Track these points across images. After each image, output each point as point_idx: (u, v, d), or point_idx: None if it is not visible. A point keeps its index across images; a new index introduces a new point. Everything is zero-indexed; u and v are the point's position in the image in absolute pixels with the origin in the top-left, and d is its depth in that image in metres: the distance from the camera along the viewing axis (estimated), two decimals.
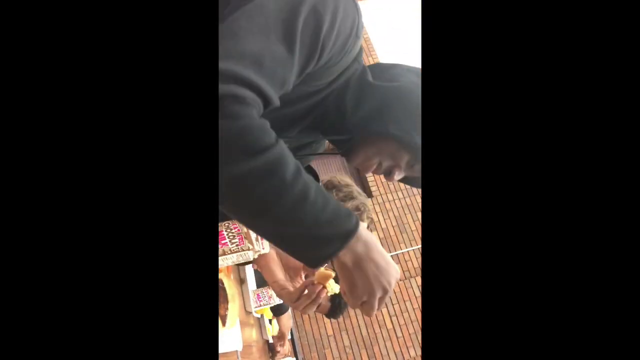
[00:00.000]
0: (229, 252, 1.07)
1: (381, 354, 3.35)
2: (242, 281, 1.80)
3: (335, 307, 1.39)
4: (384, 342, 3.39)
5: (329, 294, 0.80)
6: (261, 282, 1.77)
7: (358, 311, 3.36)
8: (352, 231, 0.48)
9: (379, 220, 3.83)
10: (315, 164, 0.92)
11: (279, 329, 1.99)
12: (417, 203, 3.91)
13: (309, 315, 3.44)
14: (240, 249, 1.07)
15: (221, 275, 1.38)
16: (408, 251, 3.73)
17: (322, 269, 0.78)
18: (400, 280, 3.59)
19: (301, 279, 0.98)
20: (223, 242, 1.07)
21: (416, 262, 3.68)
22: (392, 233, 3.81)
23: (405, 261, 3.69)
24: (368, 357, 3.35)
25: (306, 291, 0.81)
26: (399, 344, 3.38)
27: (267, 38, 0.48)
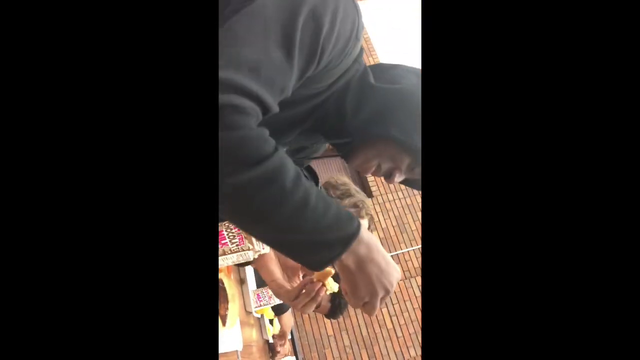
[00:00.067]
0: (229, 252, 1.07)
1: (381, 354, 3.35)
2: (242, 281, 1.80)
3: (336, 307, 1.39)
4: (384, 342, 3.39)
5: (327, 292, 0.79)
6: (261, 282, 1.78)
7: (358, 311, 3.37)
8: (353, 235, 0.49)
9: (379, 220, 3.83)
10: (315, 164, 0.92)
11: (280, 328, 1.99)
12: (418, 203, 3.91)
13: (309, 315, 3.45)
14: (240, 249, 1.07)
15: (221, 275, 1.38)
16: (408, 251, 3.73)
17: None
18: (401, 280, 3.58)
19: (299, 279, 0.98)
20: (223, 242, 1.07)
21: (416, 262, 3.67)
22: (392, 233, 3.81)
23: (406, 261, 3.69)
24: (368, 356, 3.35)
25: (304, 290, 0.81)
26: (399, 344, 3.38)
27: (266, 44, 0.47)
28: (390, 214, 3.89)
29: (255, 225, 0.49)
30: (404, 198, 3.94)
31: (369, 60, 4.33)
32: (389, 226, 3.84)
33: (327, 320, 3.43)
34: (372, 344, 3.38)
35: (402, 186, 3.95)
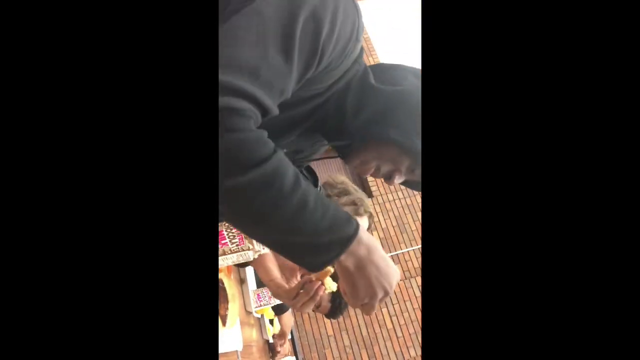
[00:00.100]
0: (229, 252, 1.07)
1: (381, 354, 3.35)
2: (242, 281, 1.80)
3: (336, 307, 1.39)
4: (384, 342, 3.39)
5: (326, 291, 0.79)
6: (261, 282, 1.77)
7: (358, 311, 3.37)
8: (352, 236, 0.49)
9: (379, 220, 3.83)
10: (315, 165, 0.92)
11: (280, 328, 1.99)
12: (418, 203, 3.91)
13: (309, 315, 3.45)
14: (240, 249, 1.07)
15: (221, 275, 1.38)
16: (408, 251, 3.73)
17: None
18: (401, 280, 3.58)
19: (297, 279, 0.98)
20: (223, 242, 1.07)
21: (416, 262, 3.67)
22: (392, 233, 3.81)
23: (405, 261, 3.69)
24: (368, 357, 3.35)
25: (302, 289, 0.81)
26: (399, 344, 3.38)
27: (265, 46, 0.47)
28: (390, 214, 3.89)
29: (254, 227, 0.49)
30: (404, 198, 3.94)
31: (369, 60, 4.33)
32: (389, 226, 3.84)
33: (327, 320, 3.43)
34: (372, 344, 3.38)
35: (402, 186, 3.95)
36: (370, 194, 3.91)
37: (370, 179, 3.96)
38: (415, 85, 0.64)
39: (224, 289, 1.37)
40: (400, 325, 3.44)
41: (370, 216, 1.13)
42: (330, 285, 0.79)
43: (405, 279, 3.60)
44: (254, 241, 1.06)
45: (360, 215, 1.10)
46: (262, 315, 1.94)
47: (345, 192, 1.11)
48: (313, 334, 3.43)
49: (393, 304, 3.50)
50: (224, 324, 1.28)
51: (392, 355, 3.35)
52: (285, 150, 0.70)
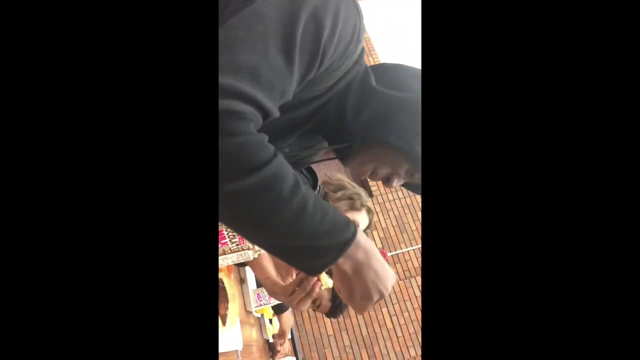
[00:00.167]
0: (229, 251, 1.07)
1: (381, 354, 3.35)
2: (242, 281, 1.80)
3: (336, 306, 1.39)
4: (384, 341, 3.39)
5: (322, 287, 0.79)
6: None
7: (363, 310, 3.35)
8: (350, 239, 0.49)
9: (379, 220, 3.83)
10: (315, 165, 0.91)
11: (280, 327, 1.99)
12: (418, 203, 3.91)
13: (309, 314, 3.45)
14: (240, 249, 1.07)
15: (221, 275, 1.38)
16: (408, 251, 3.73)
17: None
18: (401, 280, 3.59)
19: (292, 277, 0.98)
20: (223, 241, 1.07)
21: (416, 262, 3.68)
22: (392, 233, 3.81)
23: (405, 261, 3.69)
24: (368, 356, 3.35)
25: (298, 287, 0.81)
26: (399, 344, 3.38)
27: (265, 48, 0.46)
28: (390, 213, 3.89)
29: (254, 231, 0.49)
30: (404, 198, 3.94)
31: (368, 60, 4.33)
32: (389, 226, 3.84)
33: (327, 320, 3.43)
34: (372, 344, 3.38)
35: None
36: (370, 194, 3.91)
37: None
38: (416, 92, 0.63)
39: (224, 289, 1.37)
40: (400, 325, 3.44)
41: (369, 211, 1.12)
42: (327, 281, 0.79)
43: (405, 278, 3.60)
44: None
45: (356, 209, 1.09)
46: (262, 315, 1.94)
47: (341, 187, 1.10)
48: (313, 333, 3.43)
49: (393, 304, 3.51)
50: (224, 323, 1.28)
51: (392, 354, 3.35)
52: (285, 152, 0.70)
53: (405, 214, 3.89)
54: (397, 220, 3.86)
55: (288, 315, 1.99)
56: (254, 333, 1.77)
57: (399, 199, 3.95)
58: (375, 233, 3.79)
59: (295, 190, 0.46)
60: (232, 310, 1.37)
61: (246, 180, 0.44)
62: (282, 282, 0.98)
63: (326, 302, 1.39)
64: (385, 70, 0.68)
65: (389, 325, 3.44)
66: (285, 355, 2.02)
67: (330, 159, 0.77)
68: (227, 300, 1.35)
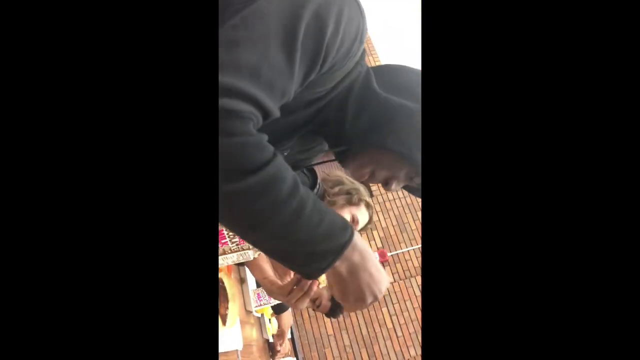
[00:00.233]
0: (229, 251, 1.07)
1: (381, 353, 3.36)
2: (242, 280, 1.80)
3: (336, 306, 1.39)
4: (384, 341, 3.40)
5: (320, 286, 0.80)
6: None
7: (358, 311, 3.37)
8: (346, 243, 0.49)
9: (379, 219, 3.83)
10: (316, 165, 0.91)
11: (279, 327, 1.99)
12: (418, 202, 3.91)
13: (308, 314, 3.45)
14: (240, 249, 1.07)
15: (221, 275, 1.38)
16: (408, 250, 3.73)
17: None
18: (401, 279, 3.60)
19: (289, 277, 0.98)
20: (223, 241, 1.07)
21: (416, 262, 3.68)
22: (392, 232, 3.81)
23: (405, 260, 3.70)
24: (368, 356, 3.35)
25: (296, 286, 0.81)
26: (399, 343, 3.38)
27: (266, 47, 0.46)
28: (390, 213, 3.90)
29: (250, 233, 0.49)
30: (404, 197, 3.94)
31: (369, 60, 4.33)
32: (389, 226, 3.85)
33: (327, 320, 3.44)
34: (372, 344, 3.39)
35: None
36: (370, 193, 3.91)
37: None
38: (416, 96, 0.62)
39: (224, 289, 1.37)
40: (400, 325, 3.44)
41: (368, 206, 1.12)
42: (324, 280, 0.79)
43: (405, 278, 3.60)
44: None
45: (354, 204, 1.09)
46: (262, 315, 1.94)
47: (339, 183, 1.10)
48: (313, 333, 3.43)
49: (393, 304, 3.51)
50: (224, 323, 1.28)
51: (392, 354, 3.35)
52: (285, 154, 0.69)
53: (405, 213, 3.89)
54: (397, 220, 3.86)
55: (287, 315, 1.99)
56: (254, 333, 1.77)
57: (399, 198, 3.95)
58: (375, 233, 3.79)
59: (293, 193, 0.46)
60: (232, 310, 1.37)
61: (243, 181, 0.44)
62: (280, 282, 0.98)
63: (326, 302, 1.38)
64: (386, 73, 0.67)
65: (389, 325, 3.44)
66: (285, 355, 2.02)
67: (330, 160, 0.77)
68: (227, 300, 1.35)
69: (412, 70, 0.68)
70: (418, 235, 3.76)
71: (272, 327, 1.99)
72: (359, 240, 0.51)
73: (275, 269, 1.09)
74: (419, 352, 3.33)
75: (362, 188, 1.12)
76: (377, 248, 3.73)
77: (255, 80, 0.45)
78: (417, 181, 0.67)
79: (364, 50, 0.61)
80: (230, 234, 1.08)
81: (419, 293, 3.53)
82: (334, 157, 0.73)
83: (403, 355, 3.34)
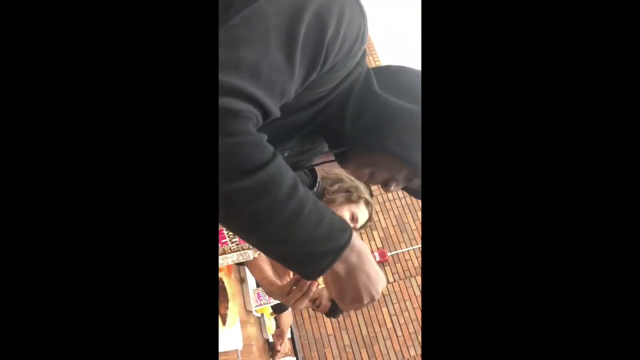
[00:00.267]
0: (229, 251, 1.07)
1: (381, 353, 3.36)
2: (242, 280, 1.80)
3: (335, 306, 1.39)
4: (384, 341, 3.40)
5: (319, 286, 0.80)
6: None
7: (358, 310, 3.37)
8: (345, 244, 0.49)
9: (379, 219, 3.83)
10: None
11: (279, 327, 1.99)
12: (418, 202, 3.91)
13: (308, 314, 3.45)
14: (240, 249, 1.07)
15: (221, 275, 1.38)
16: (408, 250, 3.73)
17: None
18: (400, 279, 3.60)
19: (289, 277, 0.99)
20: (223, 241, 1.07)
21: (416, 262, 3.68)
22: (392, 232, 3.81)
23: (406, 260, 3.69)
24: (368, 356, 3.35)
25: (295, 287, 0.81)
26: (399, 343, 3.38)
27: (266, 46, 0.46)
28: (390, 213, 3.89)
29: (249, 234, 0.49)
30: (404, 197, 3.94)
31: (369, 60, 4.33)
32: (389, 226, 3.84)
33: (327, 320, 3.44)
34: (372, 343, 3.39)
35: None
36: (370, 193, 3.91)
37: None
38: (416, 97, 0.62)
39: (224, 288, 1.37)
40: (400, 325, 3.44)
41: (368, 203, 1.12)
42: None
43: (405, 278, 3.60)
44: None
45: (354, 202, 1.09)
46: (262, 315, 1.94)
47: (339, 181, 1.10)
48: (313, 333, 3.43)
49: (393, 304, 3.51)
50: (224, 323, 1.28)
51: (391, 354, 3.35)
52: (286, 154, 0.69)
53: (405, 213, 3.89)
54: (397, 220, 3.86)
55: (287, 315, 1.99)
56: (254, 332, 1.77)
57: (399, 198, 3.95)
58: (375, 233, 3.79)
59: (292, 194, 0.46)
60: (232, 310, 1.37)
61: (241, 182, 0.43)
62: (279, 282, 0.98)
63: (325, 302, 1.38)
64: (387, 74, 0.67)
65: (389, 325, 3.44)
66: (285, 354, 2.02)
67: (330, 161, 0.77)
68: (227, 300, 1.35)
69: (412, 71, 0.68)
70: (418, 235, 3.76)
71: (270, 326, 1.99)
72: (357, 240, 0.51)
73: (274, 269, 1.09)
74: (419, 352, 3.33)
75: (361, 186, 1.12)
76: (377, 248, 3.73)
77: (254, 80, 0.45)
78: (416, 183, 0.67)
79: (365, 52, 0.61)
80: (230, 233, 1.08)
81: (419, 293, 3.53)
82: (333, 158, 0.73)
83: (403, 355, 3.34)
